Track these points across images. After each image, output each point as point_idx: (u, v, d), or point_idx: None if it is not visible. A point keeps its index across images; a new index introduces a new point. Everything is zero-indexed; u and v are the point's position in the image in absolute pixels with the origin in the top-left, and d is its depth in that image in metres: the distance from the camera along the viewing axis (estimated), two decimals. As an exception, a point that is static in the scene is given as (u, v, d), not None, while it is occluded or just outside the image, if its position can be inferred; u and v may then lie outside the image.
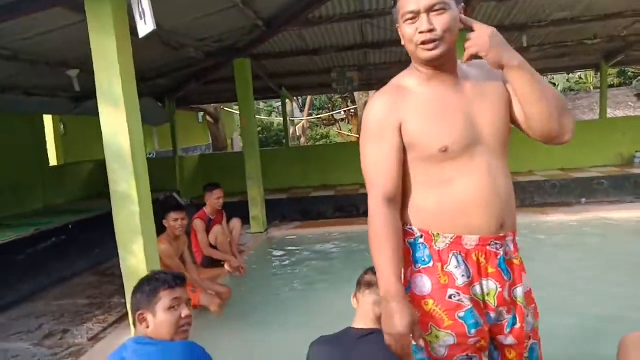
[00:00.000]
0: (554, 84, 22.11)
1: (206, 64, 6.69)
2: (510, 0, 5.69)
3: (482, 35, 1.35)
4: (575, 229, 5.76)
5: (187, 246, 3.98)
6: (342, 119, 21.91)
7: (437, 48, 1.37)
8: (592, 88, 17.36)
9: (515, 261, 1.46)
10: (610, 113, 14.22)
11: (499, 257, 1.41)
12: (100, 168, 8.32)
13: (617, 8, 6.31)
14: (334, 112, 21.25)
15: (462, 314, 1.39)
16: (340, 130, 21.81)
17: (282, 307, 3.95)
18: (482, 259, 1.40)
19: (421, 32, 1.36)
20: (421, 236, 1.44)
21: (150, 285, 1.66)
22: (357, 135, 15.56)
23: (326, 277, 4.61)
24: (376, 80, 9.56)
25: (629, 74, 16.06)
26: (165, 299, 1.63)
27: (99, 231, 5.72)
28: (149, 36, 3.12)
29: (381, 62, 8.23)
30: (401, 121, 1.43)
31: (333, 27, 6.22)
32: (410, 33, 1.39)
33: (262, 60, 7.43)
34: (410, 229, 1.47)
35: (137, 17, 2.98)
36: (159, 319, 1.62)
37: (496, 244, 1.40)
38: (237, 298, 4.12)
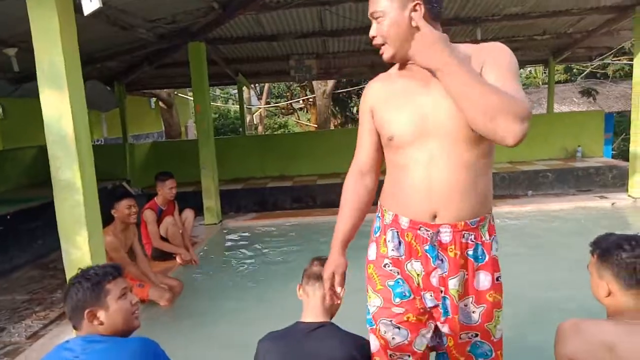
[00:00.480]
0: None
1: (158, 46, 6.40)
2: (465, -7, 5.77)
3: (417, 37, 1.38)
4: (519, 220, 5.98)
5: (136, 237, 3.80)
6: (301, 108, 21.80)
7: (385, 52, 1.48)
8: (540, 83, 18.09)
9: (450, 253, 1.49)
10: (557, 108, 14.86)
11: (427, 242, 1.50)
12: (44, 154, 7.84)
13: (565, 5, 6.57)
14: (292, 101, 21.10)
15: (391, 283, 1.57)
16: (299, 119, 21.70)
17: (235, 299, 3.86)
18: (413, 241, 1.52)
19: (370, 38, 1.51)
20: (379, 211, 1.65)
21: (91, 282, 1.55)
22: (315, 125, 15.50)
23: (281, 269, 4.55)
24: (335, 68, 9.53)
25: (575, 70, 16.83)
26: (114, 290, 1.58)
27: (41, 221, 5.40)
28: (95, 14, 2.92)
29: (340, 50, 8.20)
30: (371, 107, 1.59)
31: (291, 12, 6.11)
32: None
33: (218, 45, 7.22)
34: (378, 203, 1.68)
35: (81, -8, 2.78)
36: (112, 311, 1.56)
37: (427, 230, 1.49)
38: (189, 291, 4.00)
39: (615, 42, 9.02)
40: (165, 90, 11.45)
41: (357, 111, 21.74)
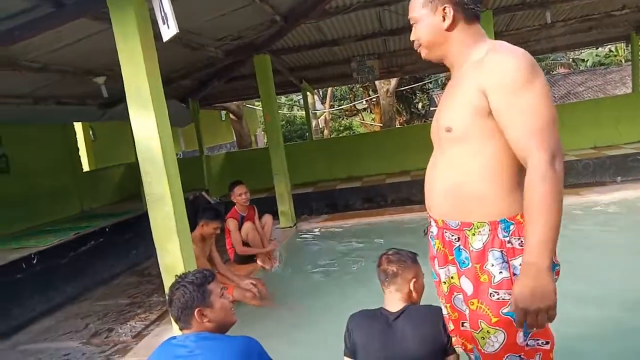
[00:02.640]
0: (582, 60, 21.46)
1: (226, 62, 6.76)
2: (531, -24, 5.52)
3: (515, 311, 1.33)
4: (610, 208, 5.60)
5: (214, 245, 4.04)
6: (364, 109, 21.80)
7: (422, 53, 1.60)
8: (623, 61, 16.74)
9: (435, 245, 1.63)
10: (643, 85, 13.65)
11: (430, 230, 1.68)
12: (130, 170, 8.59)
13: (646, -25, 6.07)
14: (356, 102, 21.15)
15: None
16: (363, 120, 21.72)
17: (318, 297, 3.99)
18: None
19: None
20: None
21: (195, 284, 1.72)
22: (380, 124, 15.45)
23: (355, 268, 4.64)
24: (397, 67, 9.46)
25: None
26: (215, 289, 1.76)
27: (134, 233, 5.91)
28: (171, 39, 3.18)
29: (401, 48, 8.14)
30: None
31: (350, 16, 6.18)
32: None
33: (282, 55, 7.46)
34: None
35: (160, 22, 3.04)
36: (217, 308, 1.72)
37: (429, 220, 1.67)
38: (270, 289, 4.19)
39: None
40: (234, 102, 11.99)
41: (422, 107, 21.39)
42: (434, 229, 1.62)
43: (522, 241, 1.40)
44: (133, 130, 3.18)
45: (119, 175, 8.77)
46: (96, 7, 3.29)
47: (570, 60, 22.11)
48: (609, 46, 17.29)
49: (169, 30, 3.04)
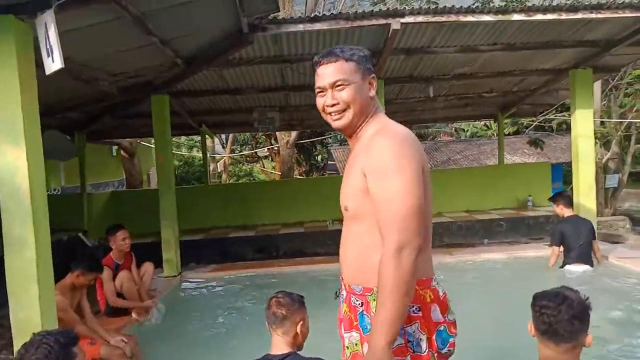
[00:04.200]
0: (463, 130, 24.12)
1: (121, 98, 6.48)
2: (416, 55, 6.20)
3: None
4: (476, 268, 6.17)
5: (84, 295, 3.69)
6: (266, 156, 21.99)
7: (342, 118, 1.59)
8: (495, 135, 19.10)
9: (343, 307, 1.65)
10: (509, 159, 15.68)
11: (342, 292, 1.69)
12: None
13: (508, 67, 7.14)
14: (257, 150, 21.29)
15: None
16: (264, 167, 21.84)
17: (195, 353, 3.78)
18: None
19: (327, 106, 1.60)
20: None
21: (61, 344, 1.57)
22: (279, 173, 15.65)
23: (241, 322, 4.50)
24: (297, 120, 9.81)
25: (523, 123, 17.93)
26: (79, 353, 1.64)
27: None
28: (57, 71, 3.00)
29: (302, 104, 8.49)
30: None
31: (254, 68, 6.36)
32: (320, 104, 1.63)
33: (182, 97, 7.35)
34: None
35: (44, 54, 2.86)
36: None
37: (342, 283, 1.69)
38: (145, 347, 3.88)
39: (554, 100, 9.76)
40: (127, 138, 11.40)
41: (322, 159, 22.17)
42: (344, 292, 1.66)
43: (416, 308, 1.48)
44: (-3, 165, 2.86)
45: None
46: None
47: (453, 129, 24.68)
48: (484, 121, 19.68)
49: (53, 63, 2.87)
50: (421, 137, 22.51)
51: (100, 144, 11.74)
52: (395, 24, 5.05)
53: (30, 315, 2.75)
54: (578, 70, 6.72)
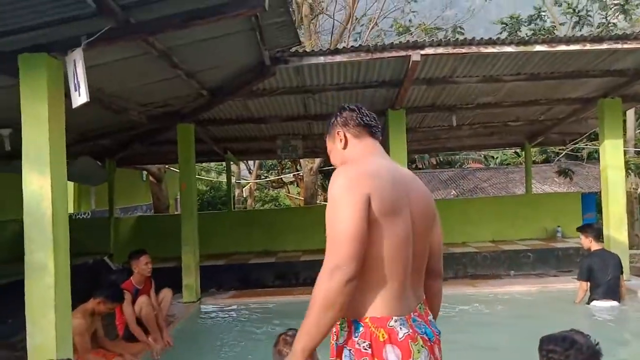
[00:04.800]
0: (492, 157, 23.74)
1: (149, 127, 6.71)
2: (438, 85, 6.20)
3: None
4: (500, 301, 5.97)
5: (100, 322, 3.77)
6: (291, 182, 22.15)
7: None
8: (523, 163, 18.75)
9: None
10: (539, 188, 15.31)
11: None
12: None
13: (533, 96, 7.04)
14: (283, 176, 21.47)
15: None
16: (289, 192, 21.97)
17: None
18: None
19: None
20: None
21: None
22: (302, 199, 15.73)
23: (256, 348, 4.47)
24: (320, 148, 9.88)
25: (555, 150, 17.54)
26: None
27: (13, 299, 5.32)
28: (87, 103, 3.15)
29: (325, 132, 8.55)
30: None
31: (277, 98, 6.49)
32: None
33: (208, 126, 7.55)
34: None
35: (72, 88, 3.02)
36: None
37: None
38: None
39: (584, 129, 9.55)
40: (156, 164, 11.74)
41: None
42: None
43: (367, 344, 1.46)
44: (24, 192, 3.00)
45: (12, 232, 8.01)
46: (8, 64, 3.20)
47: (482, 156, 24.34)
48: (514, 149, 19.39)
49: (79, 97, 3.02)
50: (449, 164, 22.26)
51: (131, 169, 12.13)
52: (415, 55, 5.08)
53: (46, 341, 2.82)
54: (606, 99, 6.57)
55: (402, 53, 5.10)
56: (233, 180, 15.45)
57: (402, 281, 1.51)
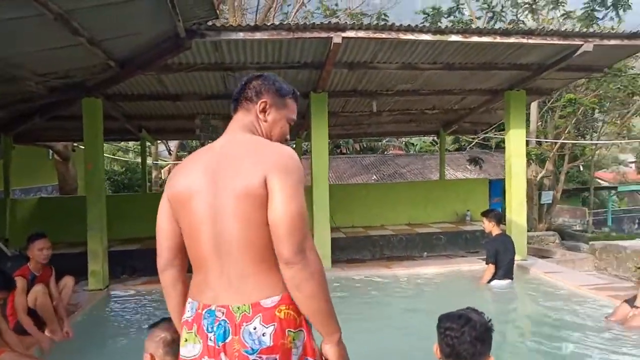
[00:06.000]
0: (413, 144, 24.74)
1: (50, 99, 6.10)
2: (359, 69, 6.26)
3: None
4: (411, 282, 6.22)
5: None
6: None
7: None
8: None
9: None
10: (452, 174, 16.23)
11: None
12: None
13: (448, 85, 7.36)
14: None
15: None
16: (211, 175, 21.35)
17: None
18: None
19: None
20: None
21: None
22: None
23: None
24: (242, 130, 9.64)
25: (463, 141, 18.65)
26: None
27: None
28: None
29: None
30: None
31: (194, 75, 6.18)
32: (287, 133, 1.72)
33: (118, 101, 7.04)
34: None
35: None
36: None
37: None
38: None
39: (493, 119, 10.19)
40: (61, 142, 10.80)
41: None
42: None
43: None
44: None
45: None
46: None
47: (403, 143, 25.26)
48: (433, 137, 20.30)
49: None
50: (371, 150, 22.88)
51: (32, 147, 11.05)
52: (337, 37, 5.06)
53: None
54: (512, 91, 7.03)
55: (324, 34, 5.06)
56: (150, 161, 14.66)
57: (205, 267, 1.52)
